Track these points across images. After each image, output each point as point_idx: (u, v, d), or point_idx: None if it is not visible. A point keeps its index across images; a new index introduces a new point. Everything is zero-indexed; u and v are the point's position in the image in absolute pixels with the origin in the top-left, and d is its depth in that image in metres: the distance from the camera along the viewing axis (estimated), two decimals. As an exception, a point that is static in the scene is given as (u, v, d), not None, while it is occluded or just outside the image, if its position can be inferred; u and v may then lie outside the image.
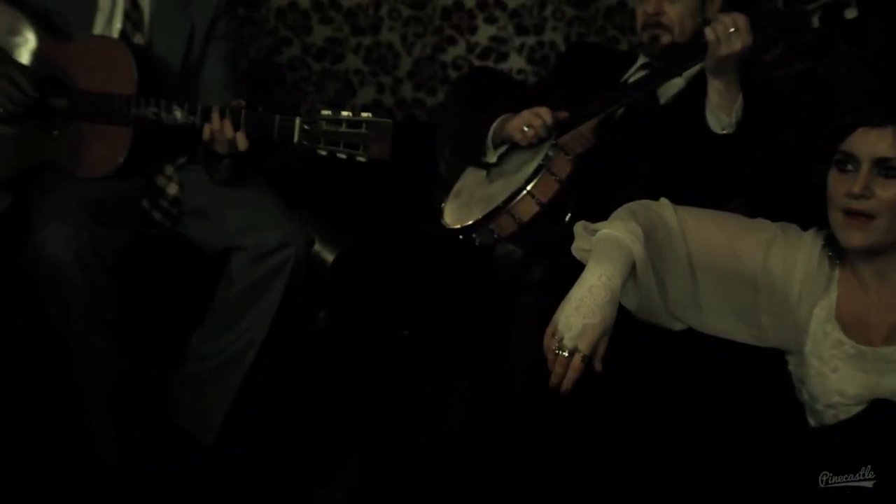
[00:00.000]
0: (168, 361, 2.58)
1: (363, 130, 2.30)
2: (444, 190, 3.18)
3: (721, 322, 1.96)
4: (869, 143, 1.79)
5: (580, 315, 1.80)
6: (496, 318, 2.21)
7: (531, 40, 3.61)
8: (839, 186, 1.82)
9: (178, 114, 2.41)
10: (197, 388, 2.55)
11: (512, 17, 3.60)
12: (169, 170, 2.60)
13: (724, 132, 2.26)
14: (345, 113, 2.31)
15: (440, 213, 2.63)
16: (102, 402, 2.42)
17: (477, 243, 2.49)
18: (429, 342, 2.35)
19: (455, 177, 3.14)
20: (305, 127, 2.32)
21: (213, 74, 2.65)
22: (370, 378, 2.38)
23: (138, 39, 2.58)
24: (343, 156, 2.32)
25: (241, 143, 2.34)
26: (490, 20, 3.60)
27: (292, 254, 2.46)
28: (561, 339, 1.81)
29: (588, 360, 1.80)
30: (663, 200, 1.99)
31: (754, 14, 2.22)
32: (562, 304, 1.84)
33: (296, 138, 2.33)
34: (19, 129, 2.51)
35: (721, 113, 2.24)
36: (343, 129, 2.30)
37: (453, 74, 3.61)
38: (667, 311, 1.95)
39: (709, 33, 2.21)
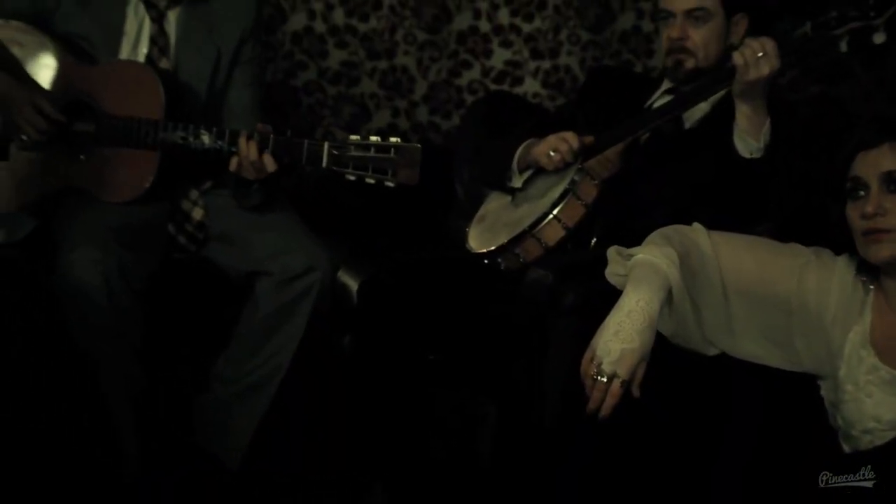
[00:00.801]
0: (193, 385, 2.57)
1: (392, 155, 2.29)
2: (461, 214, 3.19)
3: (754, 347, 1.97)
4: (870, 162, 1.82)
5: (619, 340, 1.81)
6: (526, 342, 2.20)
7: (546, 64, 3.63)
8: (855, 213, 1.84)
9: (206, 138, 2.41)
10: (222, 412, 2.55)
11: (527, 42, 3.62)
12: (194, 194, 2.61)
13: (752, 156, 2.26)
14: (373, 138, 2.31)
15: (464, 237, 2.63)
16: (129, 420, 2.42)
17: (502, 267, 2.49)
18: (456, 367, 2.34)
19: (472, 200, 3.15)
20: (334, 152, 2.31)
21: (239, 99, 2.66)
22: (396, 403, 2.37)
23: (164, 64, 2.59)
24: (371, 181, 2.32)
25: (270, 164, 2.34)
26: (505, 44, 3.62)
27: (318, 278, 2.47)
28: (599, 365, 1.81)
29: (626, 385, 1.81)
30: (696, 225, 2.00)
31: (782, 39, 2.24)
32: (599, 330, 1.84)
33: (324, 163, 2.33)
34: (45, 153, 2.51)
35: (749, 137, 2.24)
36: (372, 153, 2.30)
37: (468, 98, 3.62)
38: (701, 335, 1.96)
39: (737, 58, 2.22)
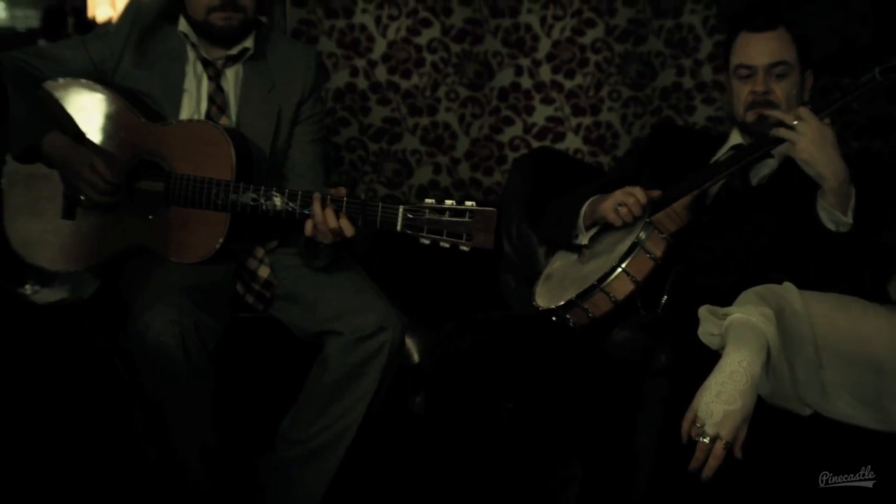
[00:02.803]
0: (260, 446, 2.54)
1: (466, 219, 2.28)
2: (509, 269, 3.20)
3: (846, 407, 1.97)
4: None
5: (721, 401, 1.82)
6: (613, 401, 2.19)
7: (587, 121, 3.66)
8: None
9: (277, 200, 2.40)
10: (290, 473, 2.51)
11: (568, 98, 3.65)
12: (260, 252, 2.60)
13: (839, 230, 2.24)
14: (448, 202, 2.29)
15: (531, 296, 2.63)
16: (201, 477, 2.39)
17: (571, 323, 2.49)
18: (538, 426, 2.32)
19: (521, 256, 3.16)
20: (409, 216, 2.29)
21: (302, 157, 2.67)
22: (473, 464, 2.35)
23: (223, 122, 2.60)
24: (446, 245, 2.30)
25: (348, 229, 2.33)
26: (547, 101, 3.65)
27: (389, 338, 2.45)
28: (702, 426, 1.82)
29: (729, 446, 1.81)
30: (787, 284, 2.01)
31: (850, 85, 2.26)
32: (700, 390, 1.85)
33: (398, 227, 2.31)
34: (112, 212, 2.50)
35: (836, 210, 2.23)
36: (446, 217, 2.28)
37: (510, 155, 3.65)
38: (796, 395, 1.96)
39: (783, 133, 2.24)
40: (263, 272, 2.58)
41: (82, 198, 2.47)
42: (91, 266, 2.53)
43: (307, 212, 2.37)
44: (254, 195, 2.41)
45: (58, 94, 2.51)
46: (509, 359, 2.39)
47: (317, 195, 2.36)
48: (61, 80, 2.54)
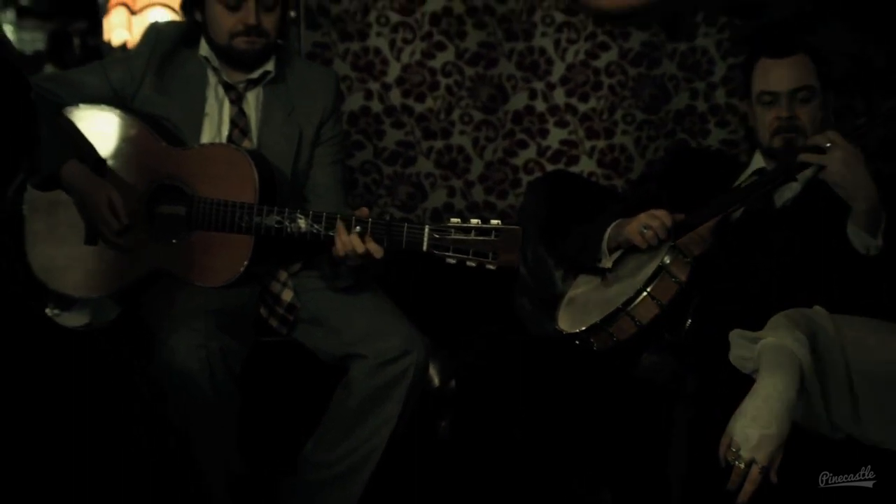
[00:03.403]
0: (282, 470, 2.53)
1: (492, 238, 2.28)
2: (524, 291, 3.20)
3: (879, 431, 1.97)
4: None
5: (757, 426, 1.81)
6: (641, 426, 2.18)
7: (602, 144, 3.67)
8: None
9: (302, 222, 2.39)
10: (312, 498, 2.49)
11: (582, 121, 3.66)
12: (283, 276, 2.59)
13: (869, 253, 2.24)
14: (474, 220, 2.29)
15: (554, 321, 2.62)
16: (225, 500, 2.38)
17: (595, 348, 2.48)
18: (563, 450, 2.31)
19: (536, 278, 3.16)
20: (435, 235, 2.29)
21: (323, 178, 2.67)
22: (498, 489, 2.34)
23: (246, 144, 2.59)
24: (473, 264, 2.30)
25: (376, 252, 2.32)
26: (561, 124, 3.66)
27: (413, 361, 2.44)
28: (737, 451, 1.81)
29: (765, 471, 1.80)
30: (818, 308, 2.01)
31: (876, 111, 2.27)
32: (735, 415, 1.85)
33: (424, 247, 2.31)
34: (135, 237, 2.49)
35: (866, 233, 2.23)
36: (472, 237, 2.28)
37: (524, 178, 3.65)
38: (827, 420, 1.95)
39: (816, 160, 2.24)
40: (287, 295, 2.57)
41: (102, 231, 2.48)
42: (114, 291, 2.51)
43: (331, 233, 2.36)
44: (278, 217, 2.40)
45: (78, 121, 2.51)
46: (534, 382, 2.38)
47: (339, 217, 2.35)
48: (81, 106, 2.54)
